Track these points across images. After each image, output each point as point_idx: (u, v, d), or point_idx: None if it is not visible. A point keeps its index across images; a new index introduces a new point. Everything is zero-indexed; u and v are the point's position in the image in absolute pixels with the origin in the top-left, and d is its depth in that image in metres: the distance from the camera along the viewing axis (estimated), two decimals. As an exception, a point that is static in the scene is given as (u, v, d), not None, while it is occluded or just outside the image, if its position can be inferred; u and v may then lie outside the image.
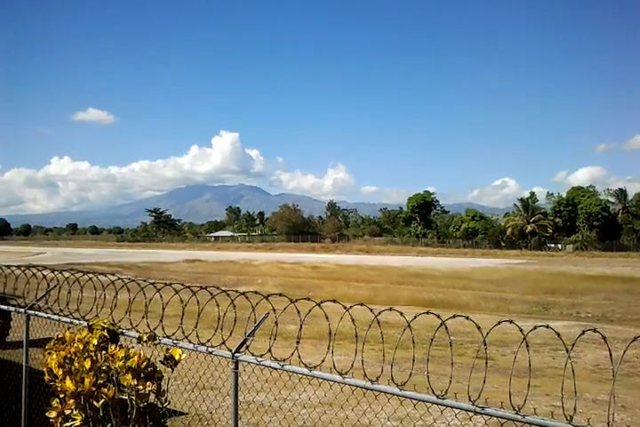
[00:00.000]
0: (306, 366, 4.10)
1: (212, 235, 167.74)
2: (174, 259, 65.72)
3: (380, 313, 4.03)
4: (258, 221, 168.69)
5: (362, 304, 4.17)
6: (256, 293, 4.63)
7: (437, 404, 3.59)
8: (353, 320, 4.08)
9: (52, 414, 3.80)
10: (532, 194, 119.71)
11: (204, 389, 5.70)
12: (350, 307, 4.13)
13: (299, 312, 4.26)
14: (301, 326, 4.25)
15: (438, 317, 3.74)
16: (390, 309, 4.08)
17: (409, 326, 3.81)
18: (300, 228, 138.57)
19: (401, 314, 3.97)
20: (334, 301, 4.34)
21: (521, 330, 3.51)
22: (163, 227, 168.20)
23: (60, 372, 3.74)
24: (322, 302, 4.33)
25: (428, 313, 3.92)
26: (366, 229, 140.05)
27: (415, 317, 3.86)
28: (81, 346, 3.93)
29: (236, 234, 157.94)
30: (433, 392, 3.57)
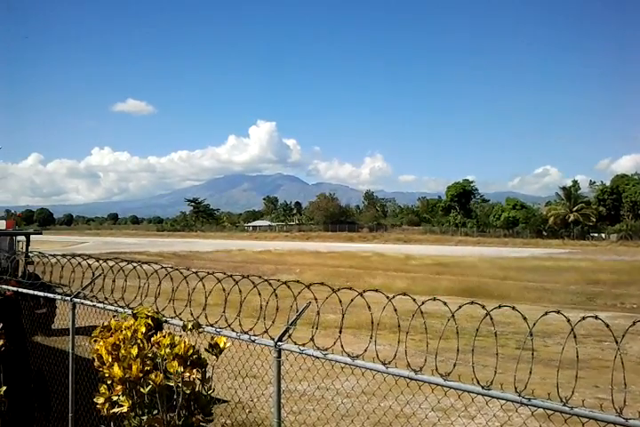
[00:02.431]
0: (348, 355, 4.10)
1: (249, 224, 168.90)
2: (213, 248, 66.43)
3: (423, 303, 4.00)
4: (295, 211, 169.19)
5: (404, 294, 4.14)
6: (298, 282, 4.64)
7: (482, 395, 3.55)
8: (395, 310, 4.05)
9: (100, 399, 3.88)
10: (575, 182, 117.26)
11: (245, 377, 5.75)
12: (393, 297, 4.11)
13: (340, 301, 4.26)
14: (343, 315, 4.24)
15: (483, 307, 3.69)
16: (434, 298, 4.04)
17: (453, 316, 3.77)
18: (337, 217, 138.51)
19: (444, 304, 3.93)
20: (377, 290, 4.32)
21: (568, 320, 3.44)
22: (201, 216, 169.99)
23: (110, 358, 3.81)
24: (364, 292, 4.32)
25: (472, 303, 3.87)
26: (404, 219, 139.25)
27: (460, 307, 3.81)
28: (129, 333, 3.99)
29: (273, 223, 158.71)
30: (478, 383, 3.53)
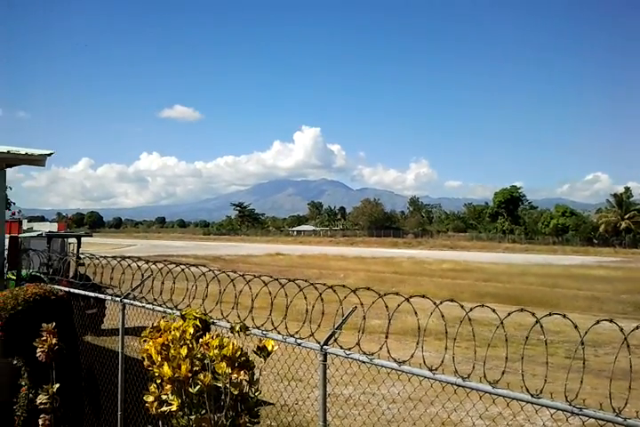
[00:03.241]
0: (395, 360, 4.08)
1: (294, 229, 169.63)
2: (258, 252, 66.93)
3: (471, 309, 3.96)
4: (339, 216, 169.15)
5: (452, 300, 4.10)
6: (344, 286, 4.64)
7: (532, 403, 3.49)
8: (443, 316, 4.02)
9: (150, 398, 3.96)
10: (627, 189, 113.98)
11: (291, 380, 5.78)
12: (440, 303, 4.08)
13: (387, 307, 4.24)
14: (390, 320, 4.23)
15: (533, 314, 3.63)
16: (482, 305, 3.99)
17: (501, 323, 3.72)
18: (381, 223, 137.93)
19: (493, 311, 3.89)
20: (423, 296, 4.29)
21: (621, 330, 3.36)
22: (247, 221, 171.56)
23: (159, 358, 3.88)
24: (411, 298, 4.29)
25: (522, 310, 3.81)
26: (450, 225, 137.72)
27: (509, 314, 3.76)
28: (177, 334, 4.06)
29: (317, 228, 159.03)
30: (527, 391, 3.47)
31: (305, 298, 4.69)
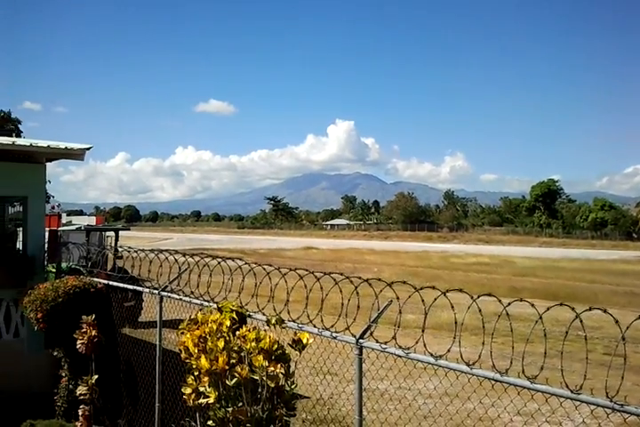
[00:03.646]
0: (431, 354, 4.05)
1: (327, 223, 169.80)
2: (292, 246, 67.17)
3: (509, 304, 3.90)
4: (373, 210, 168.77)
5: (489, 295, 4.05)
6: (379, 280, 4.62)
7: (572, 399, 3.43)
8: (480, 311, 3.97)
9: (187, 390, 4.01)
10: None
11: (326, 374, 5.79)
12: (478, 297, 4.03)
13: (423, 301, 4.21)
14: (426, 314, 4.20)
15: (573, 309, 3.57)
16: (521, 300, 3.93)
17: (540, 318, 3.66)
18: (416, 216, 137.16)
19: (532, 305, 3.83)
20: (460, 290, 4.25)
21: (664, 326, 3.28)
22: (280, 214, 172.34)
23: (196, 350, 3.92)
24: (447, 292, 4.25)
25: (561, 305, 3.75)
26: (486, 219, 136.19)
27: (548, 309, 3.69)
28: (214, 327, 4.10)
29: (351, 222, 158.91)
30: (567, 387, 3.42)
31: (340, 292, 4.68)
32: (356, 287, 4.62)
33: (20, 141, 10.56)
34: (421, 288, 4.32)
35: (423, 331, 4.13)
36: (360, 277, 4.72)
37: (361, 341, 4.42)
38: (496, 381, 3.79)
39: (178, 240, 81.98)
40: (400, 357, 4.26)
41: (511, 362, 3.71)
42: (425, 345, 4.05)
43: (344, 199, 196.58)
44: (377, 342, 4.36)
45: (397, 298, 4.35)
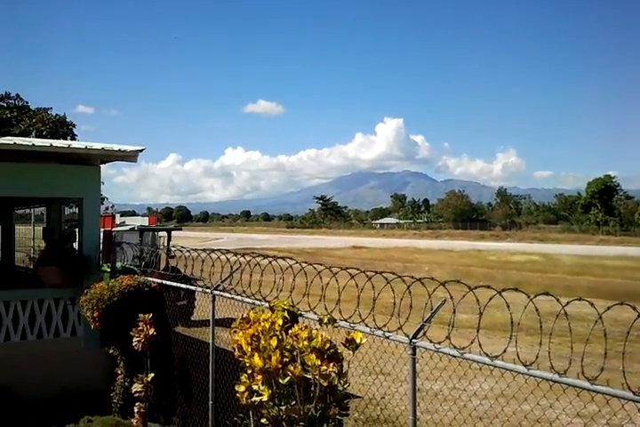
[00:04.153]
0: (487, 355, 3.97)
1: (377, 222, 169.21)
2: (341, 245, 67.13)
3: (567, 303, 3.79)
4: (423, 208, 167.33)
5: (547, 294, 3.93)
6: (432, 279, 4.55)
7: (634, 401, 3.31)
8: (537, 310, 3.87)
9: (241, 388, 4.02)
10: None
11: (379, 374, 5.74)
12: (535, 296, 3.92)
13: (477, 300, 4.12)
14: (481, 314, 4.11)
15: (634, 308, 3.43)
16: (580, 299, 3.81)
17: (600, 318, 3.55)
18: (467, 215, 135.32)
19: (591, 305, 3.71)
20: (516, 289, 4.14)
21: None
22: (329, 214, 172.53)
23: (249, 349, 3.94)
24: (503, 291, 4.16)
25: (622, 304, 3.61)
26: (540, 217, 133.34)
27: (608, 308, 3.57)
28: (267, 325, 4.11)
29: (401, 221, 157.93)
30: (629, 388, 3.29)
31: (392, 291, 4.63)
32: (409, 287, 4.57)
33: (75, 144, 10.83)
34: (475, 287, 4.23)
35: (478, 331, 4.04)
36: (412, 277, 4.66)
37: (414, 340, 4.36)
38: (554, 382, 3.69)
39: (228, 240, 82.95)
40: (454, 357, 4.19)
41: (570, 363, 3.60)
42: (480, 345, 3.96)
43: (393, 198, 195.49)
44: (430, 341, 4.30)
45: (451, 298, 4.27)
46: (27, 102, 30.16)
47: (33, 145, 9.90)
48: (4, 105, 29.31)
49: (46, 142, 10.71)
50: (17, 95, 30.20)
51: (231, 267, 6.99)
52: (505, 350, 3.87)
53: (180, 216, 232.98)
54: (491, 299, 4.05)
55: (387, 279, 4.79)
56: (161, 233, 20.79)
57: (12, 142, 9.80)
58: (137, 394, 7.87)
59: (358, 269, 5.14)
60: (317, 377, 3.71)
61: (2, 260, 17.67)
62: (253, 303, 6.13)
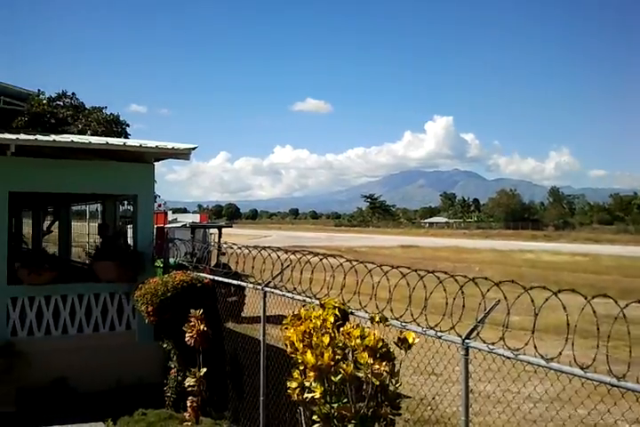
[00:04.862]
0: (542, 356, 3.89)
1: (426, 221, 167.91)
2: (389, 244, 66.74)
3: (626, 306, 3.68)
4: (473, 208, 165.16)
5: (605, 295, 3.84)
6: (486, 279, 4.49)
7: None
8: (594, 312, 3.77)
9: (293, 384, 4.06)
10: None
11: (430, 374, 5.70)
12: (592, 298, 3.83)
13: (532, 301, 4.05)
14: (537, 315, 4.02)
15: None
16: (638, 301, 3.70)
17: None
18: (519, 214, 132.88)
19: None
20: (573, 290, 4.05)
21: None
22: (377, 212, 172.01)
23: (301, 345, 3.96)
24: (559, 292, 4.07)
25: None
26: (594, 217, 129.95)
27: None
28: (318, 323, 4.13)
29: (450, 220, 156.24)
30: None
31: (444, 290, 4.59)
32: (462, 286, 4.51)
33: (130, 142, 11.09)
34: (531, 288, 4.15)
35: (533, 332, 3.97)
36: (466, 276, 4.60)
37: (467, 341, 4.31)
38: (612, 386, 3.59)
39: (276, 237, 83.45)
40: (508, 358, 4.12)
41: (628, 367, 3.50)
42: (535, 347, 3.89)
43: (443, 197, 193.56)
44: (484, 342, 4.24)
45: (505, 298, 4.20)
46: (82, 101, 30.92)
47: (90, 143, 10.18)
48: (61, 104, 30.11)
49: (102, 140, 11.00)
50: (73, 94, 30.99)
51: (282, 264, 7.04)
52: (560, 353, 3.79)
53: (229, 213, 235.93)
54: (547, 300, 3.97)
55: (439, 279, 4.74)
56: (212, 230, 21.08)
57: (69, 140, 10.10)
58: (189, 388, 8.01)
59: (410, 268, 5.10)
60: (369, 376, 3.71)
61: (59, 255, 18.23)
62: (304, 301, 6.16)
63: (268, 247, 7.88)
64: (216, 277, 8.76)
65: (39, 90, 27.74)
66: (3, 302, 9.47)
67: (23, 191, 10.62)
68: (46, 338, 9.74)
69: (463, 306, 4.45)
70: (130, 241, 12.98)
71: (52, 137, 10.51)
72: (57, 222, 20.39)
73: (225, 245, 9.01)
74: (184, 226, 19.70)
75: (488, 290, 4.34)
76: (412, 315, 4.74)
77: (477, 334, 4.30)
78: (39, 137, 10.10)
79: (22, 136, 9.72)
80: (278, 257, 7.30)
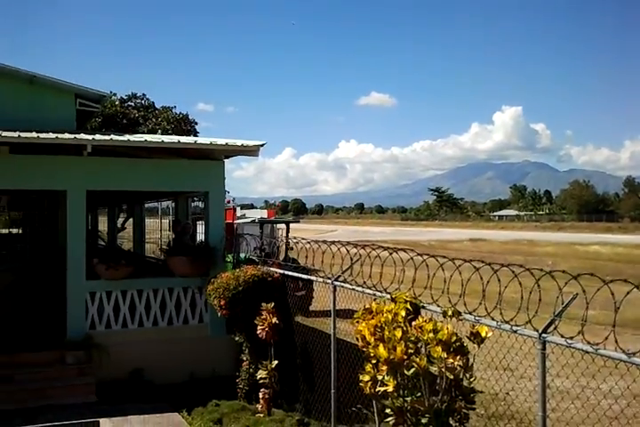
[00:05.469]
0: (624, 351, 3.76)
1: (495, 214, 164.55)
2: (457, 238, 65.73)
3: None
4: (545, 200, 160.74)
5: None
6: (564, 272, 4.36)
7: None
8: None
9: (366, 377, 4.06)
10: None
11: (506, 369, 5.59)
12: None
13: (613, 295, 3.91)
14: (617, 309, 3.88)
15: None
16: None
17: None
18: (593, 206, 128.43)
19: None
20: (655, 284, 3.89)
21: None
22: (444, 206, 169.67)
23: (373, 339, 3.96)
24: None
25: None
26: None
27: None
28: (390, 316, 4.12)
29: (521, 213, 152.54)
30: None
31: (520, 284, 4.48)
32: (538, 280, 4.40)
33: (200, 140, 11.33)
34: (612, 281, 4.01)
35: (614, 326, 3.83)
36: (542, 269, 4.49)
37: (544, 335, 4.21)
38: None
39: (342, 232, 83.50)
40: (587, 353, 3.99)
41: None
42: (616, 341, 3.76)
43: (512, 189, 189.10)
44: (562, 336, 4.12)
45: (584, 291, 4.08)
46: (152, 101, 31.80)
47: (162, 142, 10.46)
48: (132, 105, 31.07)
49: (174, 139, 11.27)
50: (143, 95, 31.90)
51: (351, 259, 7.04)
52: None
53: (295, 209, 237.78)
54: (628, 293, 3.83)
55: (514, 272, 4.64)
56: (279, 225, 21.29)
57: (143, 140, 10.39)
58: (261, 380, 8.14)
59: (483, 262, 5.01)
60: (443, 370, 3.67)
61: (133, 251, 18.84)
62: (374, 295, 6.15)
63: (338, 242, 7.89)
64: (286, 272, 8.86)
65: (111, 92, 28.71)
66: (82, 296, 9.85)
67: (100, 190, 11.02)
68: (123, 331, 10.08)
69: (539, 300, 4.34)
70: (199, 237, 13.28)
71: (127, 137, 10.85)
72: (130, 219, 21.06)
73: (294, 240, 9.08)
74: (253, 221, 19.97)
75: (566, 283, 4.22)
76: (486, 309, 4.66)
77: (555, 328, 4.19)
78: (114, 137, 10.44)
79: (98, 136, 10.08)
80: (347, 251, 7.31)
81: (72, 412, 8.30)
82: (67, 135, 9.55)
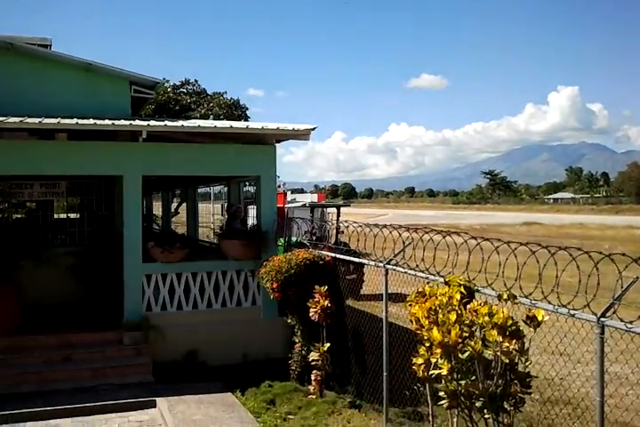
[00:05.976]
0: (688, 337, 3.65)
1: (550, 197, 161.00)
2: (510, 221, 64.57)
3: None
4: (602, 182, 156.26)
5: None
6: (624, 255, 4.24)
7: None
8: None
9: (419, 360, 4.06)
10: None
11: (562, 354, 5.51)
12: None
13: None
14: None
15: None
16: None
17: None
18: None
19: None
20: None
21: None
22: (498, 189, 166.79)
23: (427, 322, 3.95)
24: None
25: None
26: None
27: None
28: (444, 300, 4.09)
29: (577, 196, 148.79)
30: None
31: (578, 268, 4.39)
32: (597, 263, 4.30)
33: (252, 125, 11.39)
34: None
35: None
36: (601, 253, 4.37)
37: (603, 319, 4.11)
38: None
39: (393, 216, 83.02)
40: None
41: None
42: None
43: (568, 171, 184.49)
44: (621, 321, 4.03)
45: (643, 276, 3.96)
46: (204, 87, 32.12)
47: (215, 127, 10.57)
48: (185, 91, 31.45)
49: (227, 124, 11.37)
50: (195, 81, 32.24)
51: (403, 242, 7.00)
52: None
53: (345, 193, 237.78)
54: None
55: (571, 255, 4.54)
56: (329, 209, 21.31)
57: (196, 125, 10.52)
58: (314, 362, 8.23)
59: (540, 245, 4.92)
60: (499, 354, 3.64)
61: (187, 235, 19.18)
62: (427, 278, 6.12)
63: (390, 225, 7.84)
64: (337, 255, 8.88)
65: (164, 78, 29.17)
66: (139, 278, 10.10)
67: (155, 175, 11.22)
68: (178, 313, 10.30)
69: (598, 283, 4.24)
70: (251, 221, 13.42)
71: (180, 122, 11.00)
72: (184, 204, 21.42)
73: (345, 224, 9.08)
74: (303, 206, 20.05)
75: (626, 267, 4.10)
76: (542, 293, 4.58)
77: (614, 312, 4.10)
78: (168, 123, 10.60)
79: (153, 122, 10.25)
80: (400, 235, 7.27)
81: (130, 391, 8.58)
82: (123, 122, 9.76)
